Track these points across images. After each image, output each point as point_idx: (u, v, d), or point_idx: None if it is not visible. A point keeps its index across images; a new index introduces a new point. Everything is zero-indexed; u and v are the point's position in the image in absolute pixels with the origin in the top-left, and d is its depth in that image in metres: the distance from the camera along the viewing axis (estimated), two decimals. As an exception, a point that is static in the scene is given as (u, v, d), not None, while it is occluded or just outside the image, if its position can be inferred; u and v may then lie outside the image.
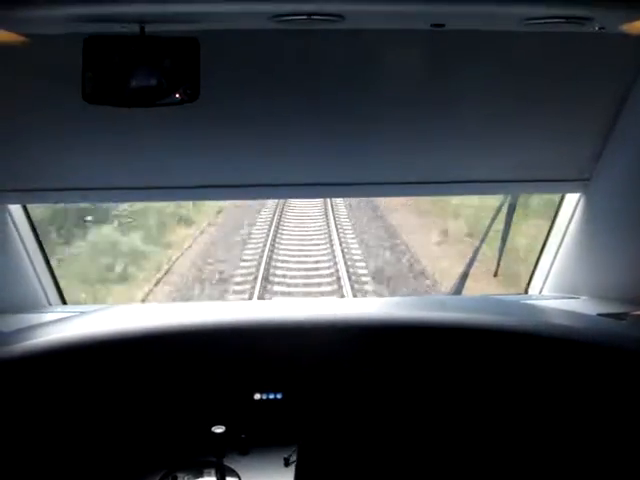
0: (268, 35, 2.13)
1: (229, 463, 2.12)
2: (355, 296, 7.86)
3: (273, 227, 10.52)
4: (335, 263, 9.05)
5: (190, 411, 2.34)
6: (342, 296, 7.73)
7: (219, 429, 2.03)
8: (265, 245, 9.70)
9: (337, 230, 10.60)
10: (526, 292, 3.13)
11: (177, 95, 2.08)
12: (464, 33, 2.18)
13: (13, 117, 2.35)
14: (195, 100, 2.03)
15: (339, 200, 11.74)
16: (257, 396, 2.39)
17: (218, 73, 2.20)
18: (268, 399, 2.39)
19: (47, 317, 2.62)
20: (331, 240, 10.13)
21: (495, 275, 3.11)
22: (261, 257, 9.19)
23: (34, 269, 2.81)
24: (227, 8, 1.82)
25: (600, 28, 2.01)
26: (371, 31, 2.19)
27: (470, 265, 3.13)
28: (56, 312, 2.76)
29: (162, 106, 2.08)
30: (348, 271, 8.66)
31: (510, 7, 1.84)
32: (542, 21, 1.90)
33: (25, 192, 2.62)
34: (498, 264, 3.09)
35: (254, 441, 2.28)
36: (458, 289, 3.20)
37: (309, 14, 1.81)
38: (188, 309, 3.02)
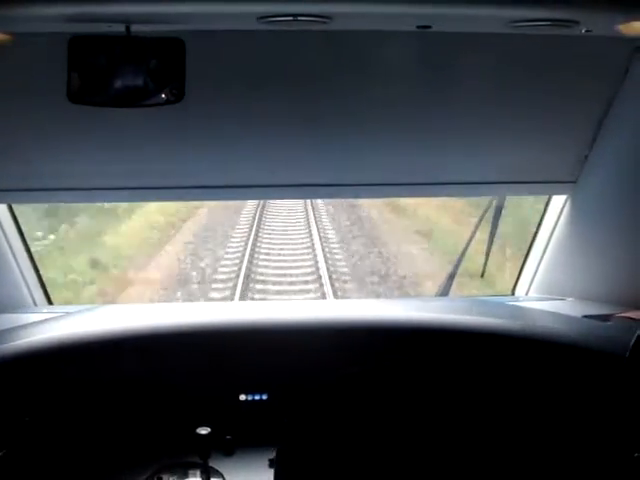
0: (255, 36, 2.13)
1: (214, 464, 2.12)
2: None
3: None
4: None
5: (175, 412, 2.33)
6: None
7: (204, 430, 2.02)
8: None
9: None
10: (513, 293, 3.14)
11: (162, 95, 2.08)
12: (452, 35, 2.18)
13: (3, 116, 2.34)
14: (180, 100, 2.03)
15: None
16: (242, 397, 2.38)
17: (205, 74, 2.20)
18: (254, 400, 2.38)
19: (33, 317, 2.60)
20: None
21: (482, 276, 3.12)
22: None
23: (19, 269, 2.79)
24: (213, 9, 1.82)
25: (586, 31, 2.01)
26: (359, 32, 2.19)
27: (457, 266, 3.13)
28: (42, 312, 2.74)
29: (147, 106, 2.08)
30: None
31: (495, 9, 1.84)
32: (528, 24, 1.91)
33: (12, 192, 2.60)
34: (485, 264, 3.09)
35: (239, 442, 2.27)
36: (445, 290, 3.20)
37: (295, 15, 1.81)
38: (173, 310, 3.01)
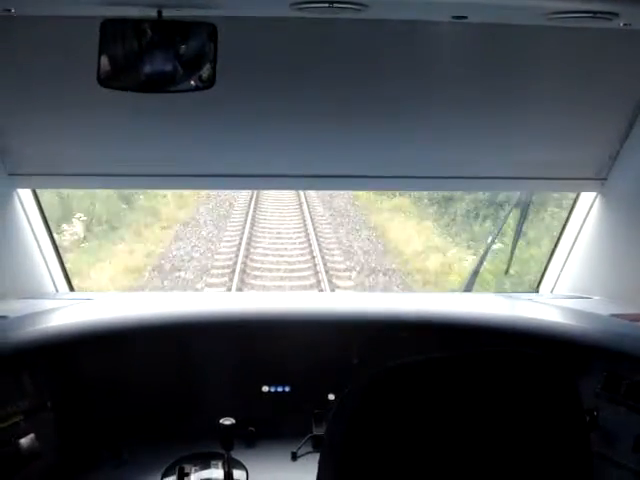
0: (286, 23, 2.10)
1: (236, 455, 2.10)
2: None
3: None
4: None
5: (198, 402, 2.32)
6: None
7: (228, 421, 2.01)
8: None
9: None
10: (537, 291, 3.11)
11: (192, 82, 2.05)
12: (483, 28, 2.15)
13: (27, 100, 2.33)
14: (211, 87, 2.00)
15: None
16: (265, 389, 2.37)
17: (234, 61, 2.17)
18: (276, 392, 2.37)
19: (54, 303, 2.59)
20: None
21: (506, 273, 3.09)
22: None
23: (42, 255, 2.78)
24: None
25: (625, 24, 1.97)
26: (391, 22, 2.16)
27: (481, 263, 3.10)
28: (63, 299, 2.74)
29: (177, 92, 2.06)
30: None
31: (535, 0, 1.81)
32: (566, 15, 1.87)
33: (35, 176, 2.59)
34: (510, 261, 3.05)
35: (262, 434, 2.26)
36: (468, 286, 3.17)
37: (331, 2, 1.78)
38: (195, 299, 3.00)
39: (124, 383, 2.28)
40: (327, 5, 1.79)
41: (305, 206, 11.71)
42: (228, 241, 9.87)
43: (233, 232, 10.30)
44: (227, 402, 2.30)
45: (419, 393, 1.06)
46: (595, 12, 1.84)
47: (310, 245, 9.56)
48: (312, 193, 12.25)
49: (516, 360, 1.14)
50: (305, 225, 10.63)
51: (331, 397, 2.35)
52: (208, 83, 2.01)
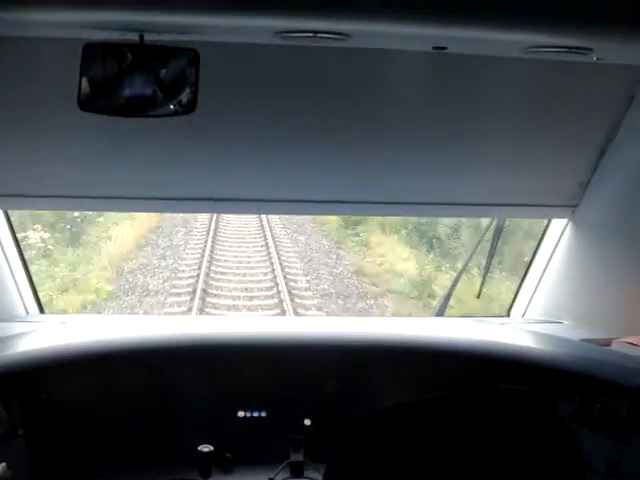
0: (270, 49, 2.11)
1: None
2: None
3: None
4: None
5: (174, 427, 2.29)
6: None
7: (206, 448, 1.99)
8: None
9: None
10: (508, 315, 3.15)
11: (171, 106, 2.05)
12: (459, 60, 2.19)
13: (3, 119, 2.30)
14: (191, 112, 2.00)
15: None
16: (241, 414, 2.35)
17: (216, 85, 2.17)
18: (252, 416, 2.35)
19: (25, 326, 2.54)
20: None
21: (478, 297, 3.12)
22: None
23: (13, 276, 2.73)
24: (231, 22, 1.80)
25: (598, 59, 2.04)
26: (371, 51, 2.19)
27: (453, 287, 3.13)
28: (34, 321, 2.69)
29: (156, 117, 2.06)
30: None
31: (514, 34, 1.85)
32: (544, 50, 1.92)
33: (9, 197, 2.56)
34: (482, 285, 3.09)
35: (239, 460, 2.24)
36: (440, 311, 3.20)
37: (315, 32, 1.80)
38: (168, 323, 2.97)
39: (98, 409, 2.24)
40: (311, 35, 1.81)
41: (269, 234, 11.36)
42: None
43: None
44: (203, 427, 2.27)
45: (419, 433, 1.07)
46: (571, 47, 1.90)
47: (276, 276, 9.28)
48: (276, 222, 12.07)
49: (515, 399, 1.15)
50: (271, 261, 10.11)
51: (307, 422, 2.34)
52: (188, 108, 2.00)
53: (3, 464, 1.94)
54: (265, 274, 9.41)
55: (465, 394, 1.11)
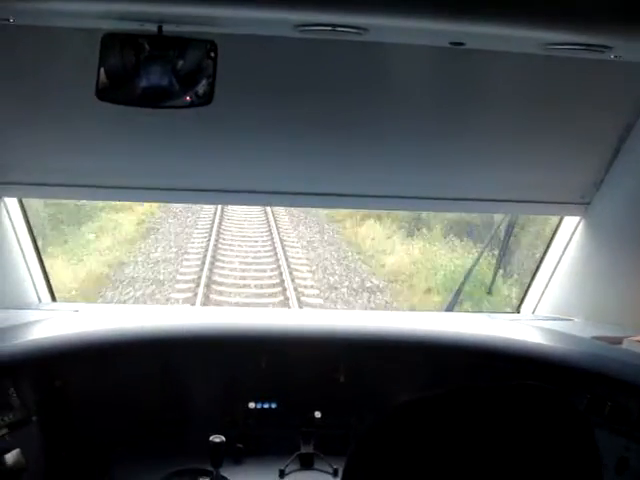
0: (283, 42, 2.11)
1: (224, 473, 2.09)
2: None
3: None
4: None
5: (186, 417, 2.31)
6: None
7: (218, 439, 2.00)
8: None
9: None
10: (518, 311, 3.15)
11: (188, 98, 2.05)
12: (476, 54, 2.19)
13: (22, 108, 2.31)
14: (208, 104, 2.00)
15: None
16: (252, 405, 2.36)
17: (230, 78, 2.17)
18: (263, 408, 2.37)
19: (38, 314, 2.56)
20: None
21: (488, 292, 3.12)
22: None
23: (26, 264, 2.75)
24: (250, 14, 1.80)
25: (616, 56, 2.03)
26: (386, 46, 2.19)
27: (464, 282, 3.14)
28: (47, 309, 2.71)
29: (172, 108, 2.06)
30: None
31: (532, 31, 1.85)
32: (562, 47, 1.92)
33: (23, 185, 2.57)
34: (493, 281, 3.09)
35: (249, 451, 2.25)
36: (450, 306, 3.20)
37: (334, 25, 1.80)
38: (181, 313, 2.98)
39: (111, 398, 2.26)
40: (330, 28, 1.81)
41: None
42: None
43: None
44: (214, 418, 2.29)
45: (440, 427, 1.07)
46: (590, 45, 1.89)
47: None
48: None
49: (538, 395, 1.16)
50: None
51: (317, 414, 2.35)
52: (205, 99, 2.01)
53: (17, 450, 1.96)
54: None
55: (485, 389, 1.12)
